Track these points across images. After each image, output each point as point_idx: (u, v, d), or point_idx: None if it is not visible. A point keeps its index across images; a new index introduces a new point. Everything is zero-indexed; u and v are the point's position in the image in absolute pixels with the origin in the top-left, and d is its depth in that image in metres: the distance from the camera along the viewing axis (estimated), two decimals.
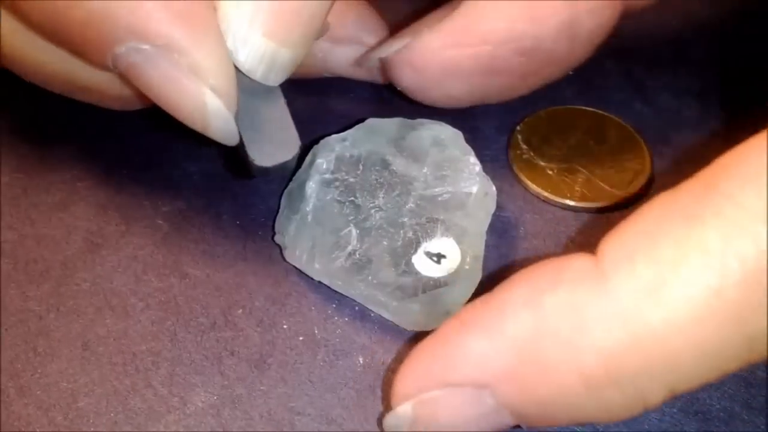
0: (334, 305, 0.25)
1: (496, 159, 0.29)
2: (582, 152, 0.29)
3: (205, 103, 0.22)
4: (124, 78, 0.23)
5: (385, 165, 0.25)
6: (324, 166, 0.25)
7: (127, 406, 0.23)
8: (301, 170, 0.26)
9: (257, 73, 0.23)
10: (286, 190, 0.26)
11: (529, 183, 0.28)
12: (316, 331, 0.24)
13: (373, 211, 0.24)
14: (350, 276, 0.24)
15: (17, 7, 0.23)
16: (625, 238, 0.18)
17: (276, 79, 0.23)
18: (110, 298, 0.25)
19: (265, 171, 0.23)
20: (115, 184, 0.28)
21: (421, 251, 0.23)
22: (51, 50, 0.24)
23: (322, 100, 0.31)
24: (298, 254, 0.25)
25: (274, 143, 0.23)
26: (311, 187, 0.25)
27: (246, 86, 0.23)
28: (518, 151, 0.29)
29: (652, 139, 0.29)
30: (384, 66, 0.28)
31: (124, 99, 0.26)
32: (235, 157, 0.24)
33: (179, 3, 0.21)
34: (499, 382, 0.18)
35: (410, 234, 0.24)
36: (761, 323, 0.16)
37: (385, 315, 0.24)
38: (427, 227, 0.24)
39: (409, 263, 0.23)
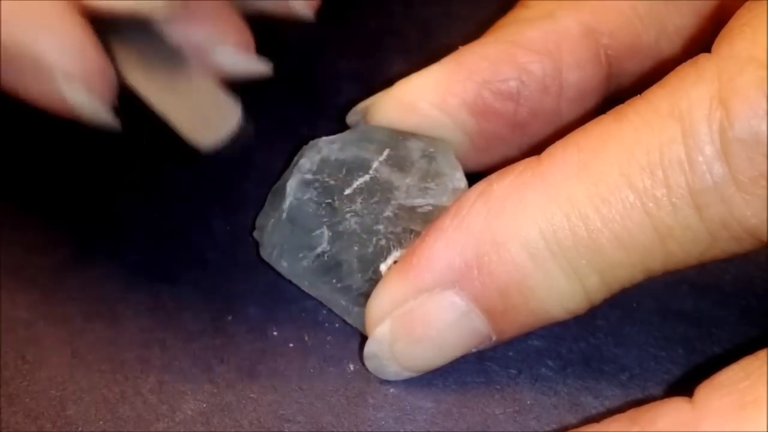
0: (324, 312, 0.25)
1: None
2: None
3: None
4: None
5: (369, 171, 0.25)
6: (307, 167, 0.25)
7: (116, 414, 0.22)
8: (287, 169, 0.26)
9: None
10: (273, 188, 0.26)
11: None
12: (306, 338, 0.24)
13: (348, 215, 0.24)
14: (315, 277, 0.24)
15: None
16: (565, 139, 0.20)
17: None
18: (99, 305, 0.25)
19: (214, 148, 0.22)
20: (104, 190, 0.28)
21: (390, 260, 0.23)
22: None
23: (319, 101, 0.31)
24: (269, 251, 0.25)
25: (209, 118, 0.22)
26: (291, 185, 0.24)
27: (154, 67, 0.22)
28: None
29: None
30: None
31: None
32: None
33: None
34: (464, 276, 0.20)
35: (383, 242, 0.24)
36: (669, 217, 0.19)
37: (348, 320, 0.24)
38: (401, 237, 0.24)
39: (376, 271, 0.23)
